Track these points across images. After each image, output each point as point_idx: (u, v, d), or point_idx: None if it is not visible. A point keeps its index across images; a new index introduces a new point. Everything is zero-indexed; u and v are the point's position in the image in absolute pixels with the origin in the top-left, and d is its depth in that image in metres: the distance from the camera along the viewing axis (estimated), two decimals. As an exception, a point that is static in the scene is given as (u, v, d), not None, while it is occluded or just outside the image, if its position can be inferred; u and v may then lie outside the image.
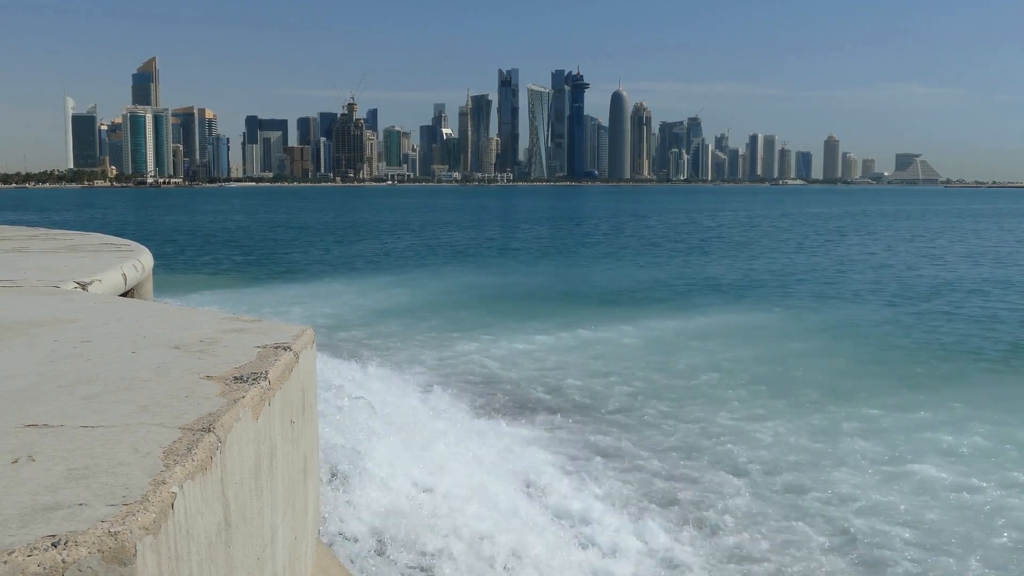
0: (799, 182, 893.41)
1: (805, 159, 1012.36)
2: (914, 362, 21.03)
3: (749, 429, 14.98)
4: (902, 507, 11.53)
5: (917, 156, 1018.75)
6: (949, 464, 13.17)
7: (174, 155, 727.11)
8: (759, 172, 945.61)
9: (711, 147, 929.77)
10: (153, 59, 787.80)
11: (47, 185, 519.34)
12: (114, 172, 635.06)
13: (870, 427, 15.07)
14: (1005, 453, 13.66)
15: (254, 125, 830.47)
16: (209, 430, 3.28)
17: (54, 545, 2.28)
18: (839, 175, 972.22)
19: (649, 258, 52.05)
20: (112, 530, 2.37)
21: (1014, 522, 11.06)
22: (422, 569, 8.23)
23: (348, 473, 9.16)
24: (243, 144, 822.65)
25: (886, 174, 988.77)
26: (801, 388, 17.86)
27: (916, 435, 14.57)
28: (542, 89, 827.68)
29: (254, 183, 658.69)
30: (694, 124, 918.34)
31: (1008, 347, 23.03)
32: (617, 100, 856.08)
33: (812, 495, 11.95)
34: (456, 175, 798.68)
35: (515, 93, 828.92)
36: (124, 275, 9.03)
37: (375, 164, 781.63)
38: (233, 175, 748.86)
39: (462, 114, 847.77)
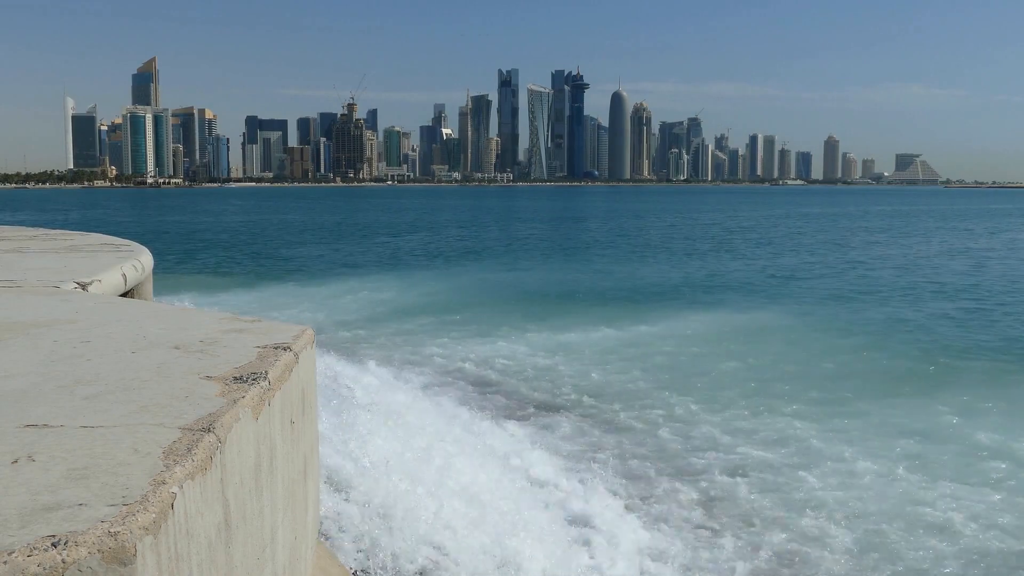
0: (799, 182, 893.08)
1: (805, 159, 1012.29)
2: (927, 362, 20.96)
3: (754, 429, 14.97)
4: (903, 506, 11.53)
5: (917, 156, 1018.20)
6: (952, 463, 13.16)
7: (174, 155, 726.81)
8: (759, 172, 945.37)
9: (711, 147, 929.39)
10: (153, 59, 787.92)
11: (47, 185, 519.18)
12: (114, 172, 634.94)
13: (875, 427, 15.06)
14: (1015, 453, 13.66)
15: (254, 125, 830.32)
16: (209, 430, 3.28)
17: (54, 545, 2.28)
18: (839, 175, 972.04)
19: (659, 259, 52.03)
20: (112, 530, 2.38)
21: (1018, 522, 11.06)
22: (422, 568, 8.23)
23: (348, 473, 9.16)
24: (243, 144, 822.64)
25: (886, 174, 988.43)
26: (807, 387, 17.83)
27: (920, 435, 14.56)
28: (542, 89, 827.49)
29: (254, 183, 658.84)
30: (694, 124, 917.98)
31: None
32: (617, 100, 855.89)
33: (815, 495, 11.94)
34: (456, 175, 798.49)
35: (515, 93, 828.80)
36: (124, 275, 9.03)
37: (375, 164, 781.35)
38: (233, 175, 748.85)
39: (462, 114, 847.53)
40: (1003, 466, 13.10)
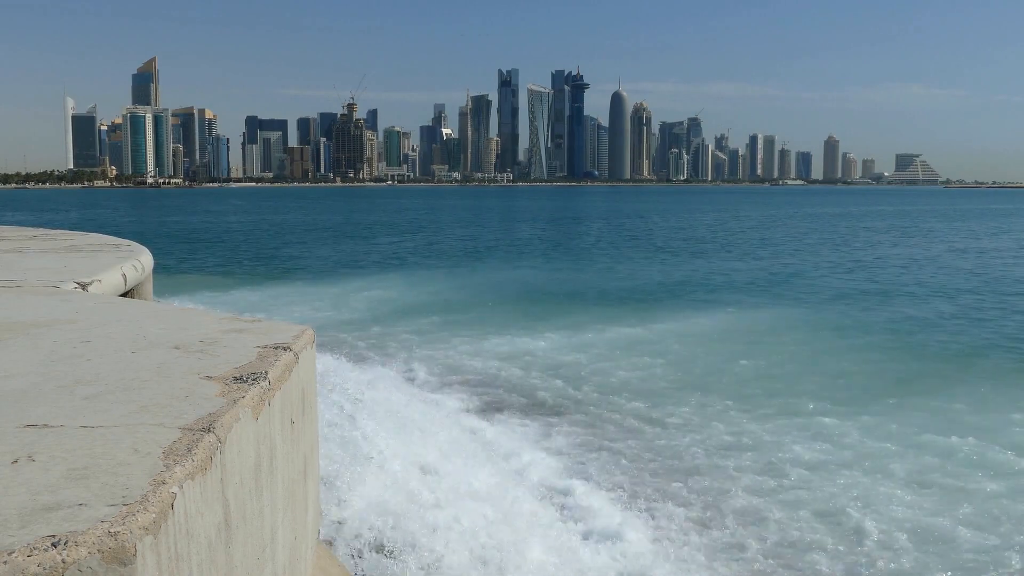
0: (799, 182, 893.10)
1: (805, 159, 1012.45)
2: (936, 361, 20.90)
3: (760, 428, 14.95)
4: (901, 507, 11.53)
5: (917, 156, 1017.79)
6: (950, 465, 13.15)
7: (174, 155, 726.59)
8: (759, 172, 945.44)
9: (711, 147, 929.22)
10: (153, 59, 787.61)
11: (47, 185, 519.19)
12: (114, 172, 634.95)
13: (873, 427, 15.05)
14: (1010, 454, 13.64)
15: (254, 125, 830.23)
16: (209, 430, 3.28)
17: (54, 545, 2.28)
18: (839, 175, 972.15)
19: (664, 259, 51.99)
20: (112, 530, 2.38)
21: (1015, 523, 11.05)
22: (422, 568, 8.22)
23: (348, 473, 9.16)
24: (243, 144, 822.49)
25: (886, 174, 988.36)
26: (814, 387, 17.78)
27: (916, 436, 14.55)
28: (542, 89, 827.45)
29: (254, 183, 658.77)
30: (694, 124, 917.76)
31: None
32: (617, 100, 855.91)
33: (815, 495, 11.93)
34: (456, 175, 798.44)
35: (515, 93, 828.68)
36: (124, 275, 9.03)
37: (375, 164, 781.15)
38: (233, 175, 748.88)
39: (462, 114, 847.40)
40: (1016, 466, 13.08)
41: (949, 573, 9.81)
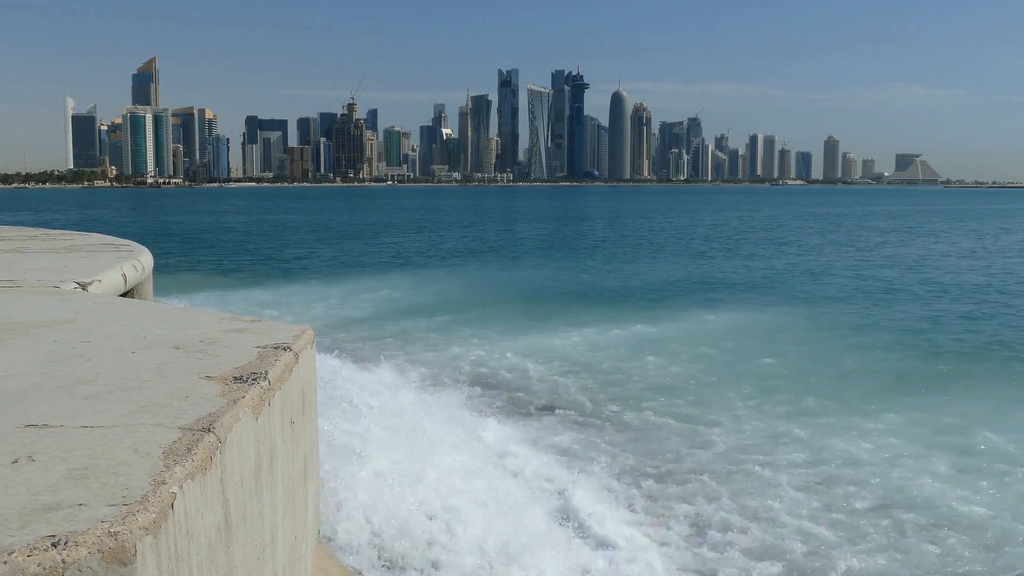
0: (799, 182, 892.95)
1: (805, 159, 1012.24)
2: (928, 362, 20.86)
3: (764, 428, 14.93)
4: (911, 507, 11.53)
5: (917, 156, 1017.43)
6: (964, 465, 13.14)
7: (174, 155, 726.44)
8: (759, 172, 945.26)
9: (711, 147, 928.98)
10: (153, 59, 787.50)
11: (47, 185, 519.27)
12: (114, 172, 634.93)
13: (883, 427, 15.03)
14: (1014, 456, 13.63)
15: (254, 125, 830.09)
16: (209, 430, 3.28)
17: (54, 545, 2.28)
18: (839, 175, 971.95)
19: (668, 259, 51.94)
20: (112, 530, 2.38)
21: (1015, 525, 11.05)
22: (422, 569, 8.22)
23: (348, 473, 9.15)
24: (243, 144, 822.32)
25: (886, 174, 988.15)
26: (819, 387, 17.73)
27: (916, 436, 14.55)
28: (542, 89, 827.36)
29: (254, 183, 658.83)
30: (694, 124, 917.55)
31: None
32: (617, 100, 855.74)
33: (815, 494, 11.93)
34: (456, 175, 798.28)
35: (515, 93, 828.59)
36: (124, 275, 9.03)
37: (375, 164, 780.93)
38: (233, 175, 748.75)
39: (462, 114, 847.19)
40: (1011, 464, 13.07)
41: (975, 569, 9.81)
